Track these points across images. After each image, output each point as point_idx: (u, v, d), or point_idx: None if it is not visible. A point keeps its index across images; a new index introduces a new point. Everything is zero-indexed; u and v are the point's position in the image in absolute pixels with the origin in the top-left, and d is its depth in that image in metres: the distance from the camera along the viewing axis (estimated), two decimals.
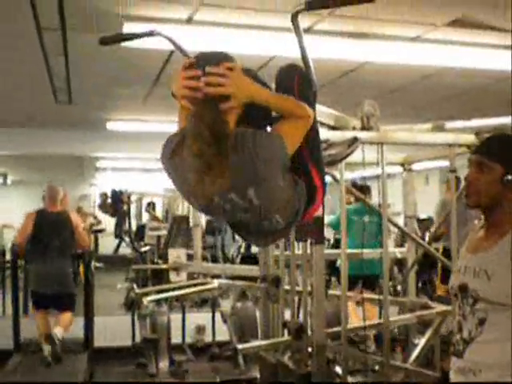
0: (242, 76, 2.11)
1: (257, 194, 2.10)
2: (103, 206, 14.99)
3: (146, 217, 14.84)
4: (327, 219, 7.14)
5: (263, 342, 4.56)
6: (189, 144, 2.05)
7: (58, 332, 6.59)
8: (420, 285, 8.13)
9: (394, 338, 5.29)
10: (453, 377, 2.52)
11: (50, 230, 6.71)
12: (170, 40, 2.55)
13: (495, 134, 2.67)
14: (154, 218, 13.87)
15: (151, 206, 14.71)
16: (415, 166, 5.14)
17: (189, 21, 4.52)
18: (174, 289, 6.59)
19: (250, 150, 2.05)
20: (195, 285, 5.94)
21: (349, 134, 3.50)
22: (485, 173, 2.44)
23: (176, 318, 7.62)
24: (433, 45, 5.08)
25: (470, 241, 2.64)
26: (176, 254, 6.11)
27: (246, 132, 2.10)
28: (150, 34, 2.77)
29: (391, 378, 4.07)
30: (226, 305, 8.21)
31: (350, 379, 4.04)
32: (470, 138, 3.96)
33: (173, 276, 7.37)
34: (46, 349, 6.57)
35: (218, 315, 7.95)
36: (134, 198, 14.78)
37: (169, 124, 8.40)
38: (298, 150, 2.55)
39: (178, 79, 2.10)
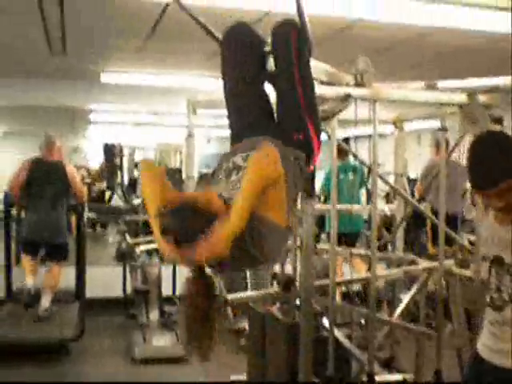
0: (215, 238, 2.09)
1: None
2: (98, 177, 15.15)
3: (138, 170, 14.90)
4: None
5: (253, 293, 4.66)
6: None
7: (45, 300, 6.65)
8: (408, 244, 8.23)
9: (381, 294, 5.39)
10: (489, 327, 2.70)
11: (44, 178, 6.69)
12: None
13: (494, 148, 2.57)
14: None
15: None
16: (407, 126, 5.18)
17: None
18: None
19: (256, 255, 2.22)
20: None
21: (342, 90, 3.54)
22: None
23: (167, 269, 7.71)
24: (427, 3, 5.08)
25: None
26: None
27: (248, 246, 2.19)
28: None
29: (377, 331, 4.18)
30: None
31: (336, 331, 4.13)
32: (463, 98, 4.00)
33: None
34: (30, 283, 6.65)
35: (208, 270, 8.04)
36: (126, 151, 14.82)
37: (163, 77, 8.41)
38: (296, 104, 2.61)
39: (161, 245, 2.19)
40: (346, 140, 6.66)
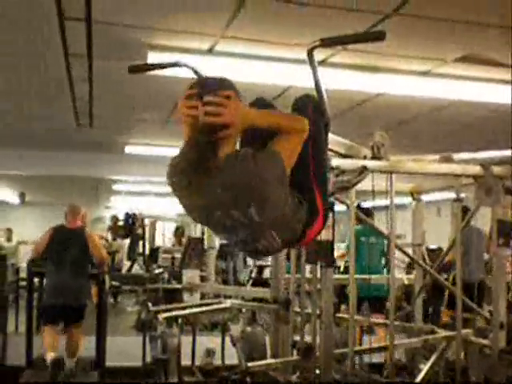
0: (239, 103, 2.21)
1: (256, 210, 2.27)
2: (113, 229, 15.10)
3: (159, 240, 15.05)
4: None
5: (272, 361, 4.69)
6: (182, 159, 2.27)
7: (70, 362, 6.68)
8: (428, 314, 8.19)
9: (401, 364, 5.38)
10: None
11: (65, 244, 6.81)
12: (194, 70, 2.73)
13: None
14: (179, 242, 13.89)
15: (180, 230, 14.74)
16: (427, 198, 5.27)
17: (210, 51, 4.72)
18: (187, 308, 6.69)
19: (250, 169, 2.17)
20: (208, 305, 6.05)
21: (359, 163, 3.66)
22: None
23: (186, 340, 7.71)
24: (442, 79, 5.26)
25: None
26: (190, 275, 6.23)
27: (246, 153, 2.22)
28: (176, 64, 2.96)
29: None
30: (235, 329, 8.30)
31: None
32: (476, 169, 4.11)
33: (186, 297, 7.48)
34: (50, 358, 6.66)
35: (227, 339, 8.04)
36: (147, 221, 14.97)
37: None
38: (305, 170, 2.70)
39: (181, 107, 2.24)
40: (368, 210, 6.70)
